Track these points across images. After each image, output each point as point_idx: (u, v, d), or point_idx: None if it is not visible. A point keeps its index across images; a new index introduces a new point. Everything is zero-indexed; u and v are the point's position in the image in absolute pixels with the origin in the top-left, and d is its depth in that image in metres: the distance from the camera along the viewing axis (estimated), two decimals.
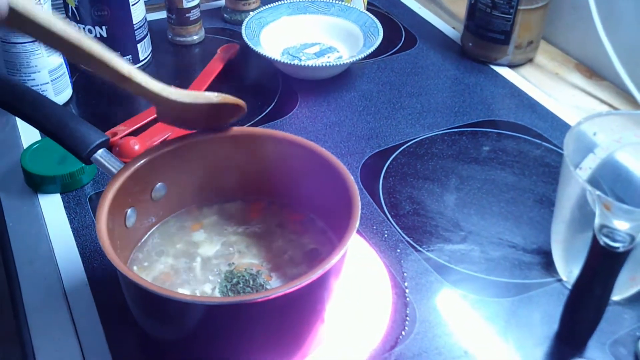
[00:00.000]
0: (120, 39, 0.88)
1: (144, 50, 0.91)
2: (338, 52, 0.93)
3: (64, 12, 0.87)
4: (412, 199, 0.71)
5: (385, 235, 0.66)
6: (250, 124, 0.81)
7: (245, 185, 0.62)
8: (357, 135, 0.80)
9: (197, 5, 0.95)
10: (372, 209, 0.69)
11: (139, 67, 0.90)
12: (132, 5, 0.86)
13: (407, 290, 0.60)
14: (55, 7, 0.83)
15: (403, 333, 0.57)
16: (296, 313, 0.50)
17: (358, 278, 0.60)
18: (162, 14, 1.00)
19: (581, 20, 0.92)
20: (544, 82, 0.91)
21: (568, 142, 0.55)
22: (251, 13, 0.95)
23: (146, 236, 0.59)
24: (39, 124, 0.58)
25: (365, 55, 0.86)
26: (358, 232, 0.63)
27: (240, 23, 0.95)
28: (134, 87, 0.47)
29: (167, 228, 0.60)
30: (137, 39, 0.89)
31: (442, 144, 0.79)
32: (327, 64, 0.87)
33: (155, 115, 0.80)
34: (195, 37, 0.97)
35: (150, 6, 1.02)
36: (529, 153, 0.78)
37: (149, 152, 0.56)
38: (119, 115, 0.81)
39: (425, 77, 0.91)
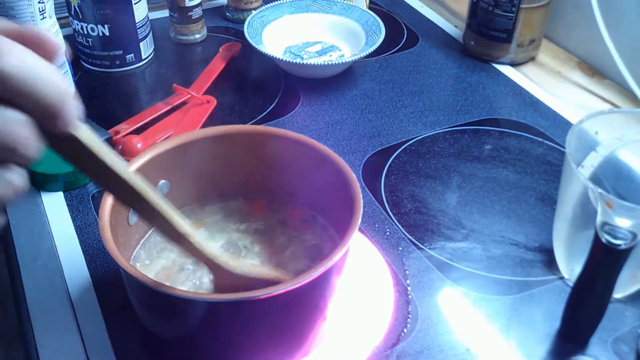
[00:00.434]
0: (123, 37, 0.88)
1: (147, 49, 0.91)
2: (340, 50, 0.93)
3: (66, 11, 0.87)
4: (414, 197, 0.71)
5: (387, 233, 0.66)
6: (252, 122, 0.82)
7: (248, 183, 0.62)
8: (359, 134, 0.80)
9: (199, 4, 0.95)
10: (374, 206, 0.69)
11: (141, 66, 0.91)
12: (135, 4, 0.86)
13: (409, 288, 0.60)
14: (57, 5, 0.83)
15: (405, 330, 0.57)
16: (298, 310, 0.50)
17: (360, 276, 0.61)
18: (165, 13, 1.01)
19: (583, 18, 0.92)
20: (546, 81, 0.91)
21: (570, 140, 0.55)
22: (253, 12, 0.95)
23: (148, 234, 0.59)
24: None
25: (367, 53, 0.86)
26: (360, 229, 0.63)
27: (242, 22, 0.95)
28: (190, 247, 0.45)
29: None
30: (139, 38, 0.89)
31: (444, 142, 0.79)
32: (329, 63, 0.87)
33: (156, 114, 0.81)
34: (197, 36, 0.97)
35: (152, 5, 1.02)
36: (531, 151, 0.78)
37: (151, 150, 0.56)
38: (121, 114, 0.81)
39: (427, 75, 0.91)
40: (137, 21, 0.88)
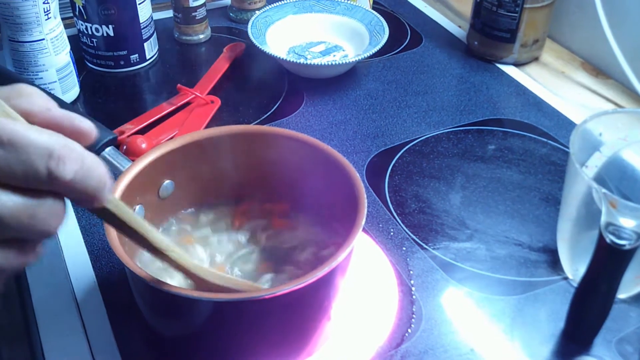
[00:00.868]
0: (127, 38, 0.88)
1: (151, 49, 0.92)
2: (344, 50, 0.94)
3: (71, 11, 0.88)
4: (418, 197, 0.71)
5: (391, 233, 0.66)
6: (256, 122, 0.82)
7: (251, 183, 0.62)
8: (363, 134, 0.80)
9: (203, 5, 0.95)
10: (378, 207, 0.69)
11: (145, 66, 0.91)
12: (139, 4, 0.87)
13: (413, 288, 0.60)
14: (62, 6, 0.83)
15: (409, 330, 0.57)
16: (303, 310, 0.50)
17: (364, 276, 0.61)
18: (169, 13, 1.01)
19: (587, 18, 0.92)
20: (550, 81, 0.91)
21: (574, 141, 0.55)
22: (257, 12, 0.95)
23: None
24: None
25: (371, 53, 0.87)
26: (364, 230, 0.63)
27: (246, 22, 0.95)
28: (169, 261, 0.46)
29: (170, 226, 0.61)
30: (143, 38, 0.90)
31: (448, 142, 0.79)
32: (333, 63, 0.87)
33: (161, 114, 0.81)
34: (201, 36, 0.98)
35: (156, 5, 1.02)
36: (534, 151, 0.78)
37: (156, 150, 0.57)
38: (126, 114, 0.81)
39: (431, 75, 0.91)
40: (141, 21, 0.88)
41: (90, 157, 0.33)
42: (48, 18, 0.77)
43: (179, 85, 0.84)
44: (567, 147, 0.70)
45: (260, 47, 0.87)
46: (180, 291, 0.46)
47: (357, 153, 0.77)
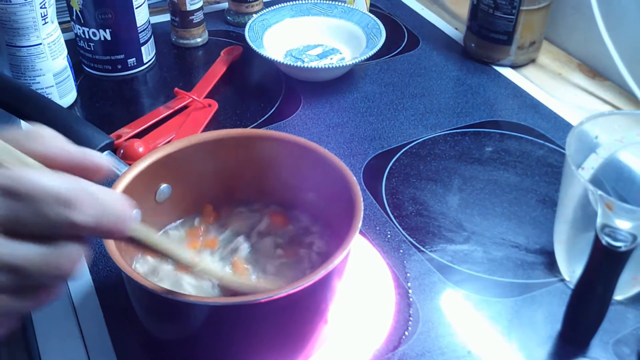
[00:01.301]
0: (124, 41, 0.88)
1: (148, 52, 0.92)
2: (341, 53, 0.94)
3: (68, 15, 0.88)
4: (415, 200, 0.71)
5: (388, 236, 0.66)
6: (253, 125, 0.82)
7: (248, 186, 0.62)
8: (360, 137, 0.80)
9: (201, 8, 0.95)
10: (374, 209, 0.69)
11: (142, 70, 0.91)
12: (136, 8, 0.87)
13: (410, 291, 0.61)
14: (59, 10, 0.83)
15: (406, 333, 0.57)
16: (300, 313, 0.50)
17: (361, 278, 0.61)
18: (166, 17, 1.01)
19: (583, 20, 0.93)
20: (547, 83, 0.91)
21: (570, 142, 0.56)
22: (254, 15, 0.95)
23: None
24: None
25: (368, 56, 0.87)
26: (361, 232, 0.64)
27: (243, 25, 0.95)
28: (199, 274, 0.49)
29: (168, 230, 0.61)
30: (140, 42, 0.90)
31: (445, 144, 0.79)
32: (330, 66, 0.87)
33: (158, 118, 0.81)
34: (198, 40, 0.98)
35: (153, 9, 1.03)
36: (531, 153, 0.78)
37: (153, 154, 0.57)
38: (123, 118, 0.81)
39: (428, 78, 0.92)
40: (138, 25, 0.88)
41: (108, 195, 0.33)
42: (45, 23, 0.77)
43: (176, 88, 0.84)
44: (564, 149, 0.70)
45: (257, 50, 0.87)
46: (176, 296, 0.46)
47: (354, 156, 0.77)
